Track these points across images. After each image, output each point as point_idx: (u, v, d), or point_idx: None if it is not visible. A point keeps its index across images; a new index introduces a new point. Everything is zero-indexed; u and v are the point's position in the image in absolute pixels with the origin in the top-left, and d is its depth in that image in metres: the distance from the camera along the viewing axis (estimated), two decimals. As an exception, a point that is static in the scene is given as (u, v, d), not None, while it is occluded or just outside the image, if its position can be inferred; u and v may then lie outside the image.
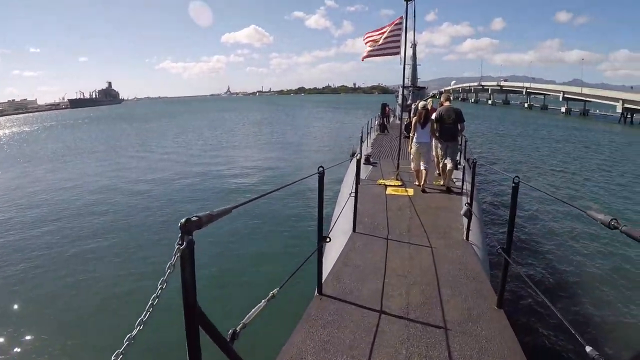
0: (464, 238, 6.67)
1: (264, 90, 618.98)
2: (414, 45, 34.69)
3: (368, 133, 18.75)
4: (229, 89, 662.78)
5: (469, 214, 6.60)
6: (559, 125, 55.43)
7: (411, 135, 9.91)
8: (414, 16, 35.89)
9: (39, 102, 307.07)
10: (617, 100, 67.64)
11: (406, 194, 9.31)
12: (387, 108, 25.87)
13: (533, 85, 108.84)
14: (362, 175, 9.99)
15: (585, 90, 78.66)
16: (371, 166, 12.16)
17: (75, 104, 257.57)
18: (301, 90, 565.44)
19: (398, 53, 10.48)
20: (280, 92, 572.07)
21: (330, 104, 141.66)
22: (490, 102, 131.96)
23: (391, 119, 29.34)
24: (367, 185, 9.97)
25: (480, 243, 6.65)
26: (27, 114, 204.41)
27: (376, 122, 24.80)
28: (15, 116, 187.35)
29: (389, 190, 9.56)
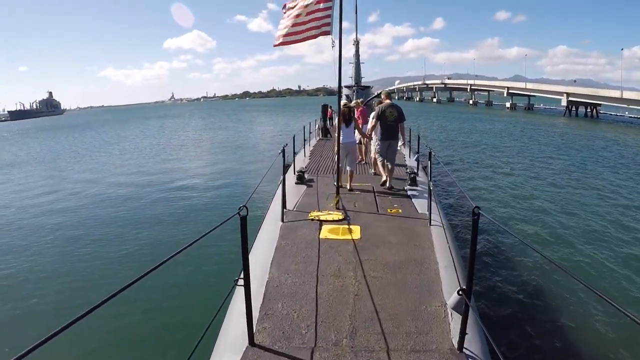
0: (455, 348, 3.77)
1: (208, 96, 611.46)
2: (357, 42, 33.28)
3: (305, 140, 15.56)
4: (173, 95, 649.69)
5: (462, 307, 3.65)
6: (508, 120, 55.75)
7: (336, 135, 8.90)
8: (356, 12, 34.48)
9: None
10: (562, 94, 68.67)
11: (349, 237, 6.45)
12: (329, 109, 22.71)
13: (477, 82, 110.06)
14: (291, 203, 7.92)
15: (530, 85, 79.65)
16: (305, 186, 9.45)
17: (15, 115, 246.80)
18: (246, 94, 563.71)
19: (329, 32, 7.70)
20: (225, 97, 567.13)
21: (274, 108, 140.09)
22: (435, 100, 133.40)
23: (334, 122, 26.94)
24: (296, 222, 7.11)
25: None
26: None
27: (317, 125, 22.12)
28: None
29: (325, 231, 6.70)
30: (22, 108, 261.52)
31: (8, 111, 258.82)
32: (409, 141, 14.08)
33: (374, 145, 9.67)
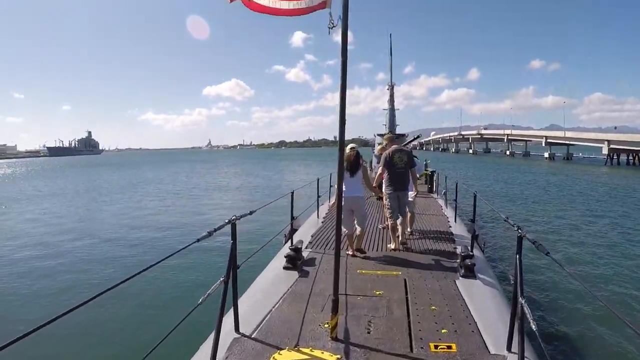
0: None
1: (245, 144, 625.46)
2: (391, 87, 31.17)
3: (320, 196, 11.44)
4: (210, 142, 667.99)
5: None
6: (548, 171, 53.11)
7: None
8: (390, 53, 33.90)
9: (19, 149, 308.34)
10: (602, 141, 65.99)
11: None
12: (360, 158, 20.84)
13: (514, 131, 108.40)
14: (256, 316, 4.80)
15: (569, 134, 76.94)
16: (298, 274, 6.34)
17: (54, 152, 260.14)
18: (282, 143, 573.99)
19: (325, 5, 4.85)
20: (262, 146, 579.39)
21: (309, 157, 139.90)
22: (471, 151, 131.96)
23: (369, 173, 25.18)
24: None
25: None
26: (4, 160, 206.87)
27: None
28: None
29: None
30: (61, 145, 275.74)
31: (47, 147, 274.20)
32: (445, 192, 12.88)
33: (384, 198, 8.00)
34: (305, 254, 7.18)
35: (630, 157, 61.89)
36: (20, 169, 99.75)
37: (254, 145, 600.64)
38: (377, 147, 10.90)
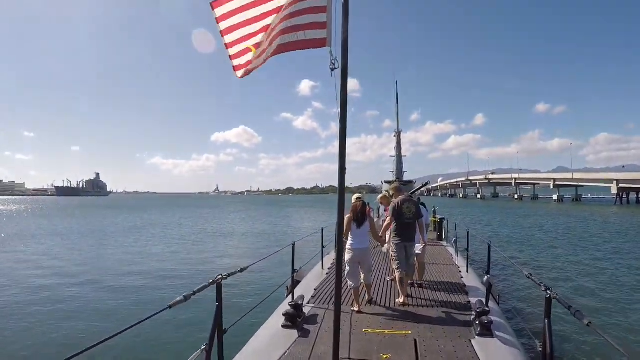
0: None
1: (252, 190, 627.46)
2: (398, 134, 31.39)
3: (324, 247, 10.49)
4: (217, 187, 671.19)
5: None
6: (558, 213, 52.36)
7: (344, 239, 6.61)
8: (397, 101, 33.80)
9: (27, 186, 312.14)
10: (611, 181, 65.32)
11: None
12: (367, 207, 20.31)
13: (522, 175, 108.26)
14: None
15: (577, 175, 76.34)
16: (297, 334, 5.72)
17: (61, 191, 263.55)
18: (289, 190, 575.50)
19: (324, 44, 4.87)
20: (269, 192, 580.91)
21: (316, 204, 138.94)
22: (479, 196, 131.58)
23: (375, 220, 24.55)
24: None
25: None
26: (12, 197, 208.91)
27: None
28: (0, 197, 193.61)
29: None
30: (69, 185, 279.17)
31: (55, 187, 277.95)
32: (456, 240, 12.50)
33: (390, 249, 7.74)
34: (307, 309, 6.61)
35: (640, 196, 61.15)
36: (28, 207, 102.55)
37: (261, 191, 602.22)
38: (379, 196, 10.48)
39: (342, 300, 5.72)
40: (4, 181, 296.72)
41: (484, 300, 6.42)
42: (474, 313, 5.93)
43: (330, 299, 7.28)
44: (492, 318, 5.63)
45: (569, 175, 79.63)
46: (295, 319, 5.89)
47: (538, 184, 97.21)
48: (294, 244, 7.55)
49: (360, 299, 6.93)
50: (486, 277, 6.91)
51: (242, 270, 4.19)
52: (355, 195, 7.38)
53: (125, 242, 29.41)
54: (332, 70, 4.61)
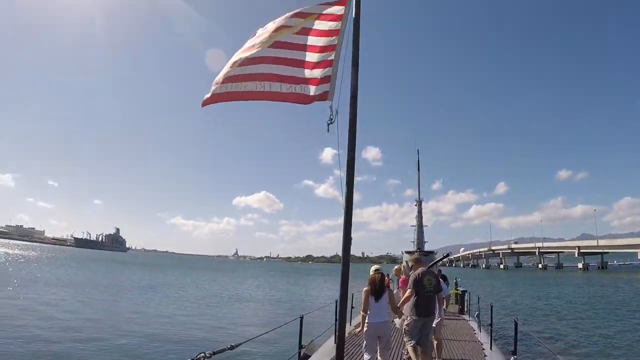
0: None
1: (271, 256, 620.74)
2: (419, 203, 30.89)
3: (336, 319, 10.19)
4: (237, 251, 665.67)
5: None
6: (585, 282, 50.83)
7: (361, 313, 6.89)
8: (418, 169, 33.70)
9: (47, 234, 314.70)
10: (637, 246, 63.70)
11: None
12: (386, 278, 19.87)
13: (546, 244, 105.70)
14: None
15: (602, 242, 74.82)
16: None
17: (80, 243, 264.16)
18: (309, 258, 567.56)
19: (326, 98, 4.71)
20: (289, 259, 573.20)
21: (334, 273, 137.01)
22: (502, 266, 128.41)
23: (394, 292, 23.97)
24: None
25: None
26: (31, 242, 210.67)
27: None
28: (19, 242, 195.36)
29: None
30: (89, 237, 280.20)
31: (74, 237, 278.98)
32: (478, 314, 12.00)
33: (405, 322, 7.49)
34: None
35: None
36: (46, 255, 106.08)
37: (280, 258, 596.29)
38: (394, 267, 10.02)
39: None
40: (24, 226, 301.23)
41: None
42: None
43: None
44: None
45: (593, 243, 77.68)
46: None
47: (562, 252, 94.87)
48: (301, 318, 7.15)
49: None
50: (512, 358, 6.34)
51: (232, 347, 3.73)
52: (374, 267, 7.20)
53: (137, 300, 29.26)
54: (329, 124, 4.47)
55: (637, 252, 63.98)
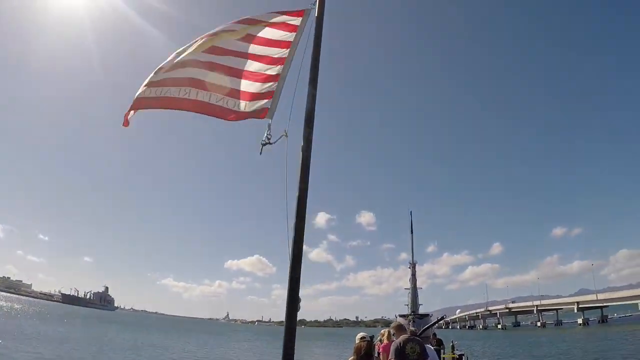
0: None
1: (263, 320, 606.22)
2: (413, 266, 30.76)
3: None
4: (228, 314, 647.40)
5: None
6: (585, 338, 50.00)
7: None
8: (411, 231, 33.50)
9: (34, 288, 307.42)
10: (637, 298, 63.40)
11: None
12: (376, 345, 18.32)
13: (544, 301, 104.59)
14: None
15: (601, 296, 73.92)
16: None
17: (67, 299, 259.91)
18: (302, 322, 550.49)
19: (263, 116, 4.20)
20: (280, 323, 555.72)
21: (328, 337, 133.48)
22: (499, 326, 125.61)
23: None
24: None
25: None
26: (17, 295, 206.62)
27: None
28: (5, 294, 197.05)
29: None
30: (76, 294, 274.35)
31: (62, 293, 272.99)
32: None
33: None
34: None
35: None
36: (32, 309, 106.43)
37: (273, 322, 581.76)
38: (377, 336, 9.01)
39: None
40: (11, 278, 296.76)
41: None
42: None
43: None
44: None
45: (592, 297, 76.87)
46: None
47: (561, 308, 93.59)
48: None
49: None
50: None
51: None
52: (359, 335, 6.80)
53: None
54: (263, 145, 3.90)
55: (637, 303, 63.60)
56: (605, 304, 73.28)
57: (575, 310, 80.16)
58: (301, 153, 3.67)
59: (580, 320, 76.38)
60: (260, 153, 3.83)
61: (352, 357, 6.23)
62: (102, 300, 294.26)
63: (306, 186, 3.61)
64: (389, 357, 6.64)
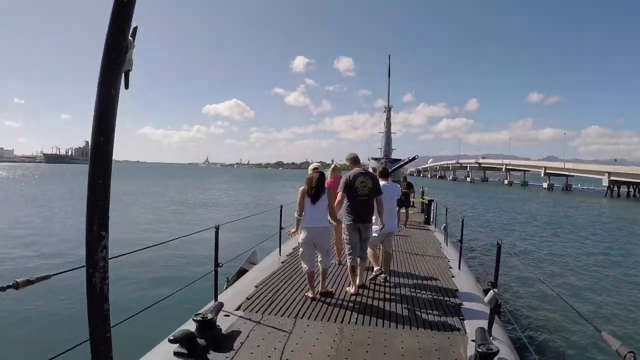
0: None
1: (242, 163, 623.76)
2: (388, 110, 29.05)
3: (282, 228, 8.43)
4: (207, 159, 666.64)
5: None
6: (548, 201, 52.43)
7: (296, 216, 5.97)
8: (389, 75, 32.19)
9: (16, 153, 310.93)
10: (603, 173, 65.57)
11: None
12: (324, 182, 17.57)
13: (513, 161, 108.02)
14: None
15: (569, 165, 76.61)
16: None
17: (50, 159, 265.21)
18: (279, 164, 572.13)
19: None
20: (259, 166, 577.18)
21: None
22: (468, 179, 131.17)
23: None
24: None
25: None
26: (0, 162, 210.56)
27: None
28: None
29: None
30: (58, 153, 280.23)
31: (44, 154, 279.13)
32: (446, 226, 10.55)
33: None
34: (228, 323, 4.52)
35: (631, 190, 62.46)
36: (14, 173, 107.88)
37: (251, 164, 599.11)
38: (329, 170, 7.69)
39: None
40: None
41: (485, 326, 4.17)
42: (467, 344, 4.13)
43: (269, 304, 5.34)
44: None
45: (560, 165, 79.66)
46: (195, 345, 3.56)
47: (529, 170, 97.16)
48: (217, 228, 5.15)
49: (315, 284, 5.92)
50: (492, 292, 4.28)
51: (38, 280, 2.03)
52: (312, 165, 6.24)
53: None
54: None
55: (602, 179, 65.72)
56: (571, 174, 75.82)
57: (542, 175, 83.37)
58: None
59: (545, 185, 79.45)
60: None
61: (303, 187, 5.92)
62: (84, 155, 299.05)
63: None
64: (337, 191, 6.27)
